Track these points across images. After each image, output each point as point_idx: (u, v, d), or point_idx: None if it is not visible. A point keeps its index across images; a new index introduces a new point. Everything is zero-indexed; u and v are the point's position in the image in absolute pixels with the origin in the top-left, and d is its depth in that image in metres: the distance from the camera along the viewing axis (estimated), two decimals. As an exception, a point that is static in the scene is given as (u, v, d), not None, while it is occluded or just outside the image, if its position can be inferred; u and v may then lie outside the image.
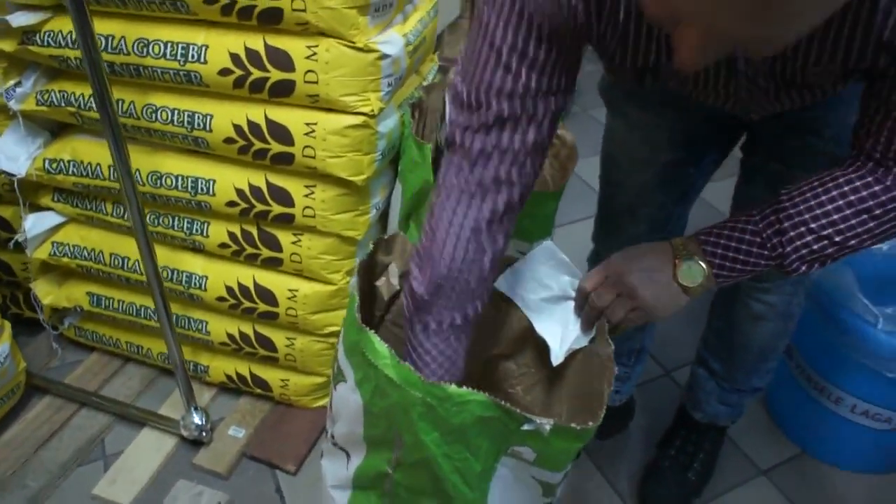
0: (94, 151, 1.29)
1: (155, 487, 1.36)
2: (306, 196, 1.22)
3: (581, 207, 1.77)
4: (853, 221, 0.74)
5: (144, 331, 1.49)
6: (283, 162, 1.18)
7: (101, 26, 1.16)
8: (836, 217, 0.74)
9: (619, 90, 1.10)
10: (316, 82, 1.11)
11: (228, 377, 1.48)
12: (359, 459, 0.93)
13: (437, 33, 1.43)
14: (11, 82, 1.27)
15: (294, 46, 1.10)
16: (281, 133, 1.16)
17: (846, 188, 0.74)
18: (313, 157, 1.16)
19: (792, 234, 0.76)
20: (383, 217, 1.37)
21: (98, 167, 1.29)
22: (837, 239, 0.75)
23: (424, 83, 1.36)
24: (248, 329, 1.40)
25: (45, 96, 1.27)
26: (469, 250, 0.77)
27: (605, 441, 1.49)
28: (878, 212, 0.73)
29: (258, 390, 1.48)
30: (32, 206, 1.42)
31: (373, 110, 1.14)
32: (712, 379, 1.33)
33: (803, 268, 0.78)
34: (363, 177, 1.19)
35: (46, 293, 1.50)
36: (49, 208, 1.42)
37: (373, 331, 0.79)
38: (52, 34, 1.20)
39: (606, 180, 1.18)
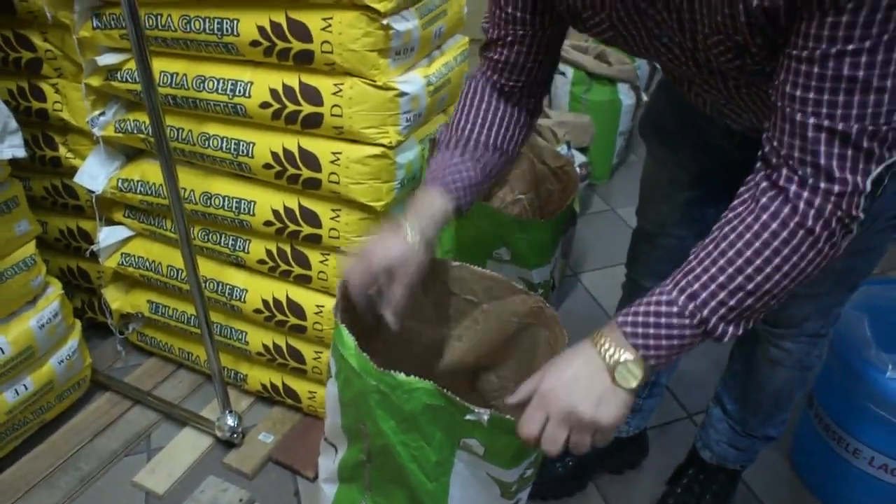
0: (158, 173, 1.47)
1: (187, 480, 1.49)
2: (332, 219, 1.34)
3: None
4: (758, 262, 0.70)
5: (194, 338, 1.64)
6: (312, 187, 1.31)
7: (169, 65, 1.35)
8: (740, 262, 0.70)
9: (648, 125, 1.22)
10: (341, 115, 1.24)
11: (263, 386, 1.61)
12: (343, 452, 1.02)
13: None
14: (97, 112, 1.48)
15: (323, 84, 1.24)
16: (311, 160, 1.29)
17: (740, 228, 0.71)
18: (338, 183, 1.29)
19: (704, 295, 0.71)
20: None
21: (160, 187, 1.47)
22: (750, 287, 0.71)
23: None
24: (280, 341, 1.52)
25: (122, 124, 1.47)
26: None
27: (616, 475, 1.50)
28: (776, 244, 0.69)
29: (289, 401, 1.59)
30: (108, 221, 1.62)
31: (391, 142, 1.25)
32: (725, 420, 1.33)
33: (730, 329, 0.73)
34: (382, 203, 1.30)
35: (114, 299, 1.69)
36: (121, 223, 1.61)
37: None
38: (129, 72, 1.40)
39: (638, 209, 1.29)
